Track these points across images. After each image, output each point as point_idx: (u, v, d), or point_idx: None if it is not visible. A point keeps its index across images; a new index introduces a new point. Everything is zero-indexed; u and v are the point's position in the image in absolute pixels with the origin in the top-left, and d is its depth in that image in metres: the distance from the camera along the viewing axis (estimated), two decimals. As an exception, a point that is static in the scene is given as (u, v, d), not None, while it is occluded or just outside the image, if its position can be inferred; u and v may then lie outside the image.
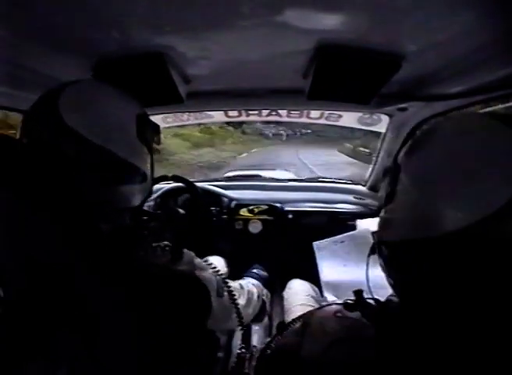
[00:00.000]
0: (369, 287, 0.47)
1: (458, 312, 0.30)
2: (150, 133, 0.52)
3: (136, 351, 0.41)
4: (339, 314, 0.41)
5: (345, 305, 0.42)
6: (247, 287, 0.73)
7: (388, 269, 0.38)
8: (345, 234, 1.04)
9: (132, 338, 0.41)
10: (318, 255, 1.04)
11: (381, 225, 0.40)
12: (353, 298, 0.43)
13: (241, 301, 0.65)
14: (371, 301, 0.42)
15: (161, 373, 0.45)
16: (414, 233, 0.32)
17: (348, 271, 0.92)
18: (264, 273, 0.99)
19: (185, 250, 0.53)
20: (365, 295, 0.43)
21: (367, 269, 0.48)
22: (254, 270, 0.99)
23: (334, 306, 0.44)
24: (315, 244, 1.06)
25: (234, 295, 0.59)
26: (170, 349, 0.44)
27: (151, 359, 0.41)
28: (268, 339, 0.58)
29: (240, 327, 0.64)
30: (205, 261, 0.57)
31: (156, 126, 0.55)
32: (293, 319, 0.55)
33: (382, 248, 0.39)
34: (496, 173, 0.27)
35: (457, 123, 0.35)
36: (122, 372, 0.40)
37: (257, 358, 0.53)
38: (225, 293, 0.57)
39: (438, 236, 0.29)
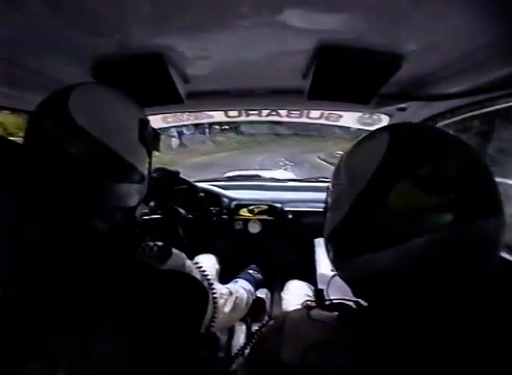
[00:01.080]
0: (327, 289, 0.50)
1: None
2: (150, 139, 0.54)
3: (136, 351, 0.41)
4: (314, 316, 0.41)
5: (312, 305, 0.43)
6: (236, 293, 0.73)
7: (332, 258, 0.43)
8: None
9: (131, 338, 0.41)
10: (317, 250, 1.06)
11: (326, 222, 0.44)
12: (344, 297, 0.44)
13: (225, 309, 0.65)
14: (351, 304, 0.42)
15: (161, 373, 0.45)
16: (337, 218, 0.39)
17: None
18: (258, 276, 0.98)
19: (176, 251, 0.53)
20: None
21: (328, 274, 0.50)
22: (250, 271, 0.99)
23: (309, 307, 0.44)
24: (316, 240, 1.10)
25: (216, 303, 0.59)
26: (170, 349, 0.44)
27: (151, 359, 0.41)
28: None
29: (206, 332, 0.62)
30: (195, 263, 0.57)
31: (157, 133, 0.58)
32: (265, 322, 0.56)
33: (327, 240, 0.43)
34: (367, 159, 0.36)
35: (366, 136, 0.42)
36: (121, 372, 0.40)
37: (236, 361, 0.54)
38: (209, 299, 0.57)
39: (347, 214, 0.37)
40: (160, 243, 0.51)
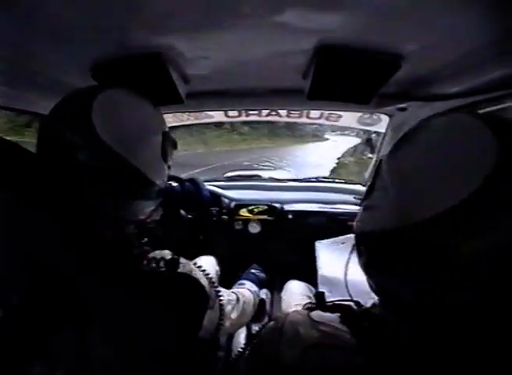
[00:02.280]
0: (346, 285, 0.48)
1: (435, 311, 0.30)
2: (170, 150, 0.52)
3: (136, 351, 0.41)
4: (314, 317, 0.40)
5: (314, 308, 0.42)
6: (243, 298, 0.71)
7: (365, 264, 0.38)
8: (347, 236, 1.05)
9: (131, 338, 0.41)
10: (318, 254, 1.04)
11: (359, 217, 0.40)
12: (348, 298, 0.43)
13: (233, 315, 0.64)
14: (352, 304, 0.42)
15: (161, 373, 0.45)
16: (387, 223, 0.32)
17: (347, 272, 0.93)
18: (262, 275, 0.98)
19: (183, 260, 0.52)
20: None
21: (346, 265, 0.49)
22: (253, 271, 0.98)
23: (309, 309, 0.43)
24: (317, 243, 1.08)
25: (223, 310, 0.57)
26: (170, 349, 0.44)
27: (151, 359, 0.41)
28: None
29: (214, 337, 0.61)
30: (201, 269, 0.56)
31: (174, 142, 0.55)
32: (265, 323, 0.56)
33: (360, 240, 0.39)
34: (460, 169, 0.28)
35: (440, 122, 0.35)
36: (121, 372, 0.40)
37: (237, 363, 0.53)
38: (216, 306, 0.56)
39: (408, 225, 0.29)
40: (167, 253, 0.50)
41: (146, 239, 0.54)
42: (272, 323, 0.46)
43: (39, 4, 0.42)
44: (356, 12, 0.45)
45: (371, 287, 0.38)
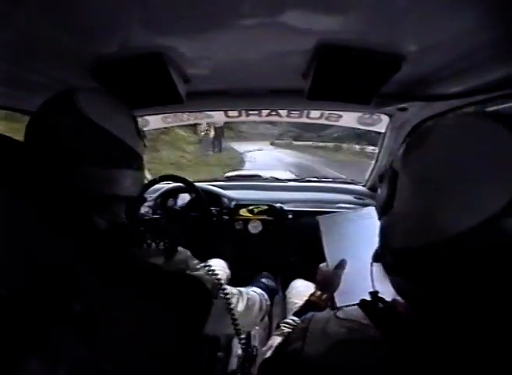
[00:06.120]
0: (373, 283, 0.47)
1: (466, 318, 0.30)
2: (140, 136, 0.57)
3: (137, 351, 0.41)
4: (340, 315, 0.41)
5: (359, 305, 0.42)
6: (248, 295, 0.70)
7: (393, 276, 0.37)
8: (352, 212, 0.97)
9: (132, 338, 0.41)
10: (323, 230, 0.95)
11: (383, 233, 0.39)
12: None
13: (239, 308, 0.63)
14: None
15: (161, 373, 0.45)
16: (417, 240, 0.31)
17: (355, 253, 0.85)
18: (272, 284, 0.93)
19: (181, 249, 0.52)
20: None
21: (371, 275, 0.49)
22: (263, 280, 0.94)
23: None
24: (320, 218, 0.96)
25: (229, 299, 0.57)
26: (170, 348, 0.44)
27: (151, 359, 0.41)
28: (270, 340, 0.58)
29: (238, 335, 0.61)
30: (206, 265, 0.56)
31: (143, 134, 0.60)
32: (289, 319, 0.55)
33: (385, 255, 0.38)
34: (496, 176, 0.27)
35: (456, 124, 0.33)
36: (121, 371, 0.40)
37: (261, 361, 0.53)
38: (220, 296, 0.55)
39: (442, 241, 0.28)
40: (165, 241, 0.51)
41: (142, 228, 0.55)
42: (299, 322, 0.46)
43: (39, 4, 0.42)
44: (356, 12, 0.45)
45: (395, 289, 0.37)
